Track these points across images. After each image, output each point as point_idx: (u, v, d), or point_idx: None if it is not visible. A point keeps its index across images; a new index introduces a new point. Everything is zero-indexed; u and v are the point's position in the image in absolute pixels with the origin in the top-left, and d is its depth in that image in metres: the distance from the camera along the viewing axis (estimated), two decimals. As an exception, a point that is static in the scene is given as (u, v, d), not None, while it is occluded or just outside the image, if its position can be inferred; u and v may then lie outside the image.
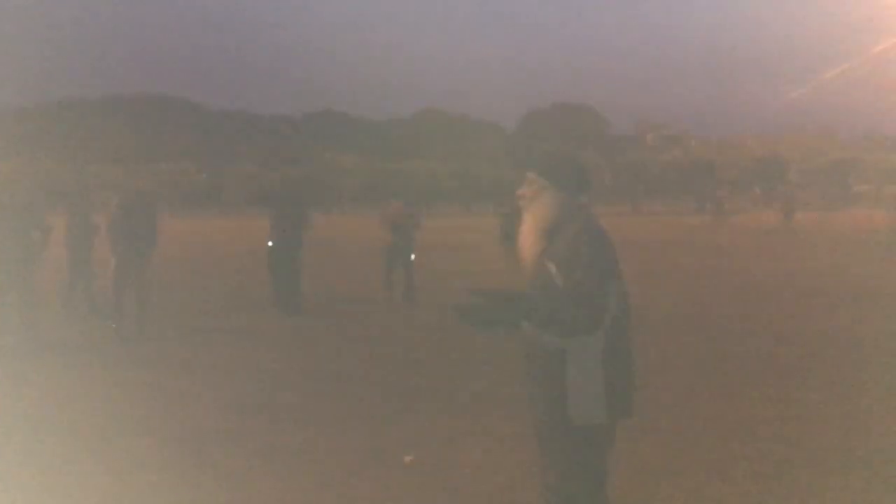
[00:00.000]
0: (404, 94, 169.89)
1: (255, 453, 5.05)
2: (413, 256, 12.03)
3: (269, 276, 11.19)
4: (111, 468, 4.74)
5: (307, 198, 13.96)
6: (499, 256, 17.78)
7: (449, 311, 3.00)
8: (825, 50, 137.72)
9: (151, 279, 9.42)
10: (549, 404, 2.98)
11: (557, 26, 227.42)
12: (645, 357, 6.80)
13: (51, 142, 64.80)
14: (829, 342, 8.46)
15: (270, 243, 11.08)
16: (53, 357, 7.91)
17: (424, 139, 79.68)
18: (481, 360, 7.49)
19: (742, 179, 66.02)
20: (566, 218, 3.01)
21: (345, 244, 24.70)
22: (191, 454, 5.01)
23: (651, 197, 66.04)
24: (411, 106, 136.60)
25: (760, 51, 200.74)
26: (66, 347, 8.44)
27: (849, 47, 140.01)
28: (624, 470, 4.31)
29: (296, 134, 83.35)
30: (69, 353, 8.13)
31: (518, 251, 3.11)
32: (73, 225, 10.44)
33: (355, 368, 7.48)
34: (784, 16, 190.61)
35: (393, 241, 11.96)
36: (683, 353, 7.94)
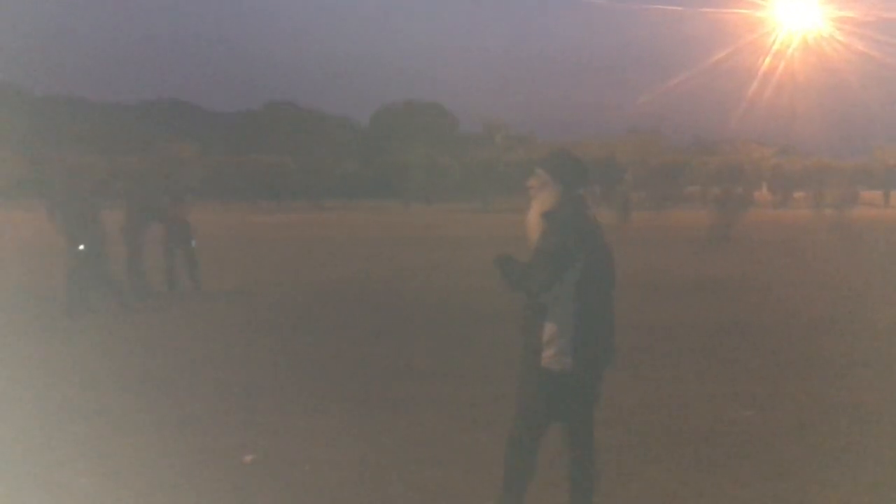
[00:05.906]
0: (253, 87, 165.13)
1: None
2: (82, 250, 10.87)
3: None
4: None
5: None
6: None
7: (493, 261, 3.66)
8: (664, 62, 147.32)
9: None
10: (525, 349, 3.61)
11: (408, 25, 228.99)
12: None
13: None
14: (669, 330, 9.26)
15: None
16: None
17: (273, 132, 77.67)
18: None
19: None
20: (561, 205, 3.61)
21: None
22: None
23: (498, 194, 67.71)
24: (261, 99, 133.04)
25: (603, 60, 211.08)
26: None
27: (682, 61, 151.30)
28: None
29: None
30: None
31: (527, 231, 3.70)
32: None
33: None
34: (629, 26, 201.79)
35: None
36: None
